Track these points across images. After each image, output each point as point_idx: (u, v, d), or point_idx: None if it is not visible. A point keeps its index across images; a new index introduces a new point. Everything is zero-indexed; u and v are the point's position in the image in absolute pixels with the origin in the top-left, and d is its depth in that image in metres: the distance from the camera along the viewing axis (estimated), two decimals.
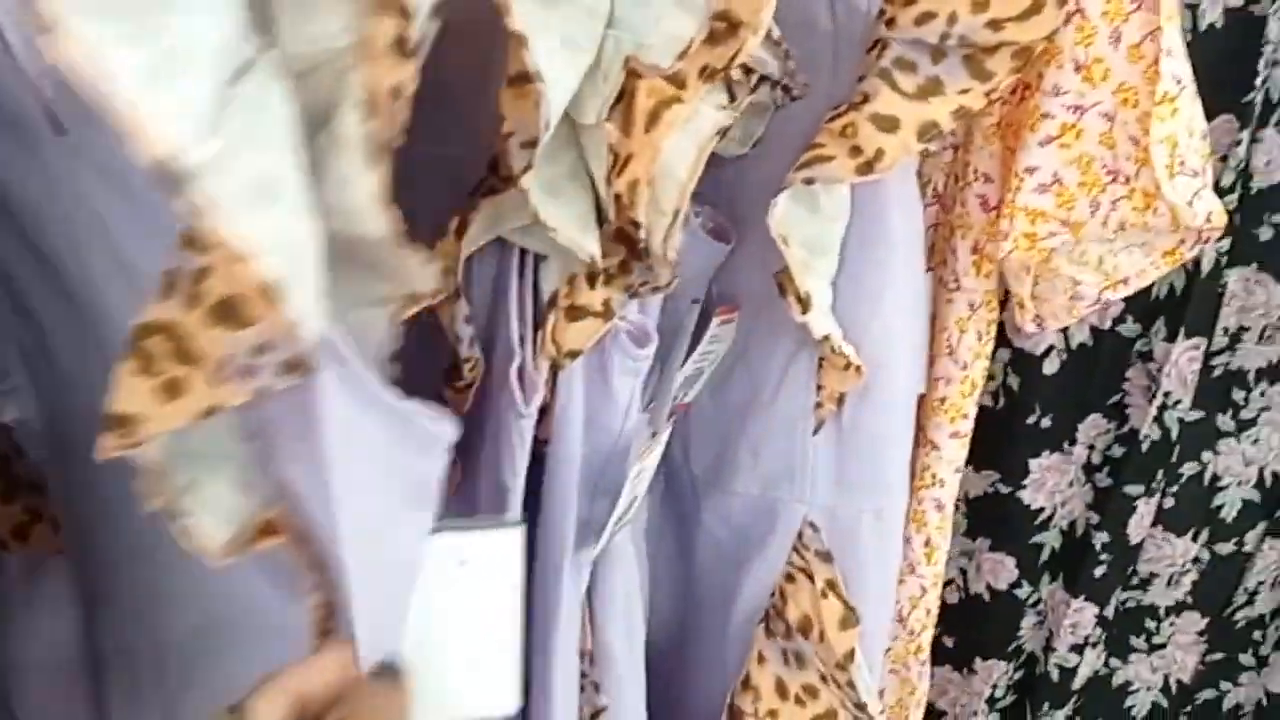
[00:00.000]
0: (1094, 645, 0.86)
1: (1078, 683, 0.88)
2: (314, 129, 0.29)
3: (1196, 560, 0.84)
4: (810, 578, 0.62)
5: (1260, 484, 0.81)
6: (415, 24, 0.27)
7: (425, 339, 0.43)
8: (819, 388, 0.59)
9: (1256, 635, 0.89)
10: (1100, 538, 0.80)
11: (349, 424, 0.32)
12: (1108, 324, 0.75)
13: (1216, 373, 0.77)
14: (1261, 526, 0.83)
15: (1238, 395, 0.78)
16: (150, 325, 0.29)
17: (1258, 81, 0.65)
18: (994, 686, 0.89)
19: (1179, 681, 0.91)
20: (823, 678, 0.63)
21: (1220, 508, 0.82)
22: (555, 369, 0.46)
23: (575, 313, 0.44)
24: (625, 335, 0.48)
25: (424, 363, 0.42)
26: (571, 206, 0.41)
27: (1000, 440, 0.79)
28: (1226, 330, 0.75)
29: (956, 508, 0.82)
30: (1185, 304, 0.72)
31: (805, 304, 0.52)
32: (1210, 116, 0.58)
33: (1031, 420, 0.78)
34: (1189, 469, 0.81)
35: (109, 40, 0.23)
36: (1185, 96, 0.51)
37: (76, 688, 0.46)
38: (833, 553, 0.62)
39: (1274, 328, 0.75)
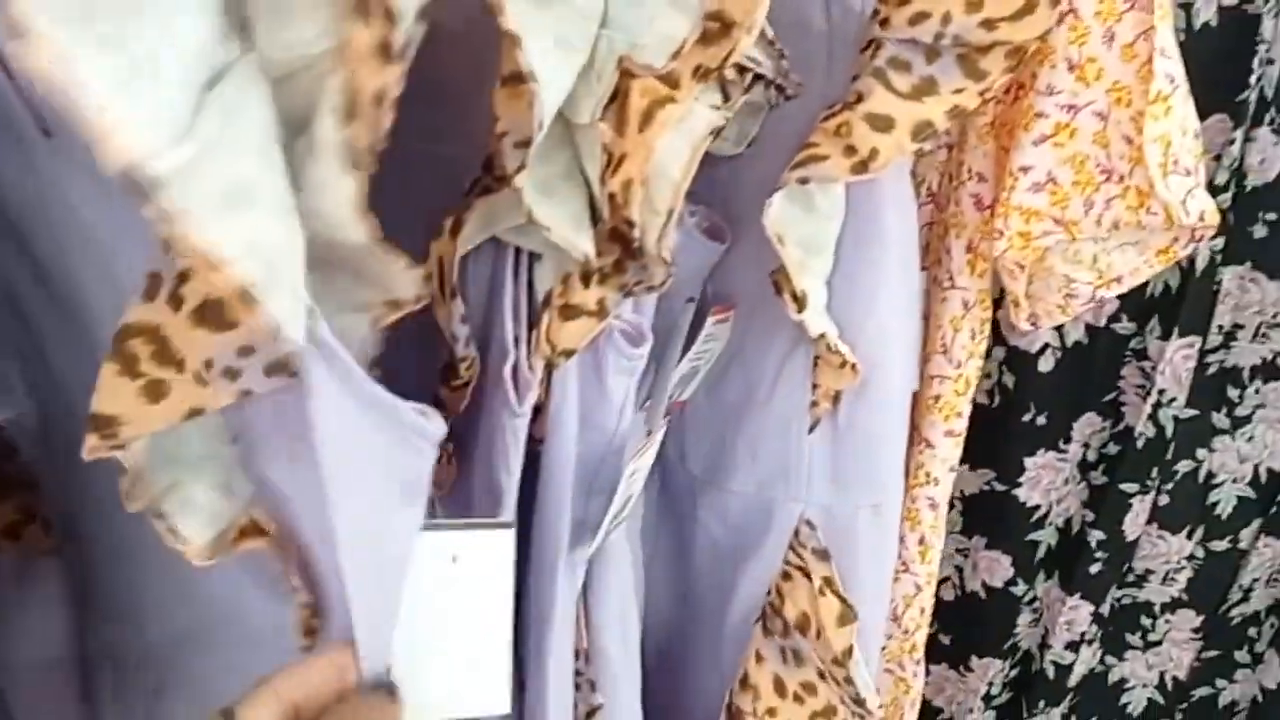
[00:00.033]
0: (1090, 643, 0.86)
1: (1073, 680, 0.88)
2: (293, 134, 0.29)
3: (1192, 557, 0.85)
4: (807, 575, 0.62)
5: (1255, 481, 0.81)
6: (401, 27, 0.27)
7: (422, 338, 0.43)
8: (815, 386, 0.60)
9: (1251, 632, 0.89)
10: (1096, 535, 0.80)
11: (340, 421, 0.32)
12: (1103, 322, 0.75)
13: (1211, 370, 0.77)
14: (1256, 524, 0.83)
15: (1232, 393, 0.78)
16: (133, 327, 0.29)
17: (1252, 80, 0.65)
18: (990, 684, 0.90)
19: (1174, 678, 0.91)
20: (821, 674, 0.63)
21: (1215, 505, 0.83)
22: (550, 368, 0.46)
23: (569, 312, 0.44)
24: (620, 334, 0.48)
25: (421, 362, 0.43)
26: (566, 206, 0.41)
27: (996, 438, 0.79)
28: (1221, 328, 0.76)
29: (952, 505, 0.82)
30: (1180, 302, 0.72)
31: (801, 303, 0.52)
32: (1205, 115, 0.59)
33: (1027, 418, 0.78)
34: (1184, 466, 0.81)
35: (80, 46, 0.23)
36: (1178, 96, 0.51)
37: (68, 689, 0.46)
38: (829, 550, 0.62)
39: (1268, 325, 0.75)
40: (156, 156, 0.24)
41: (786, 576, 0.63)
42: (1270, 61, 0.66)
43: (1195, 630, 0.88)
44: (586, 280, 0.44)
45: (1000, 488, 0.82)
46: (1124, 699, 0.93)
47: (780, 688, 0.64)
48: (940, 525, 0.70)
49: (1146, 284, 0.71)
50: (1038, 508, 0.82)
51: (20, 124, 0.33)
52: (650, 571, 0.69)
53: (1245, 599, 0.87)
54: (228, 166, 0.26)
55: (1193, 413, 0.78)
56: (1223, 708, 0.93)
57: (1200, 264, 0.71)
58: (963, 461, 0.72)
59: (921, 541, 0.70)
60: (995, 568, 0.85)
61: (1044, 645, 0.87)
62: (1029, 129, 0.54)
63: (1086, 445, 0.80)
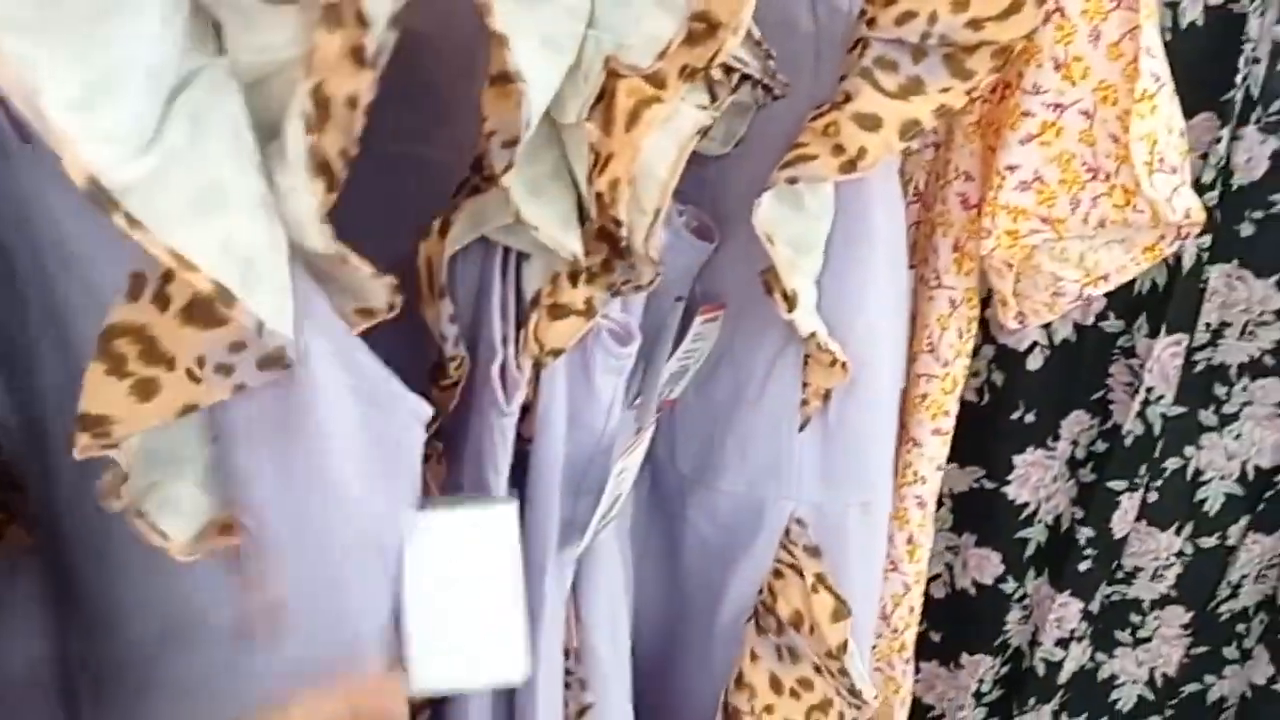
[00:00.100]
0: (1079, 639, 0.87)
1: (1063, 677, 0.88)
2: (267, 139, 0.29)
3: (1180, 554, 0.85)
4: (799, 573, 0.62)
5: (1243, 478, 0.82)
6: (374, 33, 0.27)
7: (411, 338, 0.43)
8: (805, 385, 0.60)
9: (1240, 628, 0.89)
10: (1085, 532, 0.81)
11: (336, 407, 0.32)
12: (1091, 320, 0.76)
13: (1199, 368, 0.77)
14: (1244, 520, 0.83)
15: (1220, 390, 0.79)
16: (119, 327, 0.29)
17: (1238, 79, 0.66)
18: (981, 681, 0.90)
19: (1164, 675, 0.92)
20: (817, 669, 0.64)
21: (1203, 502, 0.83)
22: (538, 367, 0.46)
23: (557, 311, 0.44)
24: (608, 334, 0.48)
25: (410, 362, 0.43)
26: (553, 205, 0.41)
27: (985, 436, 0.79)
28: (1208, 326, 0.76)
29: (942, 503, 0.82)
30: (1167, 300, 0.73)
31: (791, 302, 0.53)
32: (1191, 114, 0.59)
33: (1016, 416, 0.78)
34: (1172, 464, 0.81)
35: (43, 59, 0.23)
36: (1164, 94, 0.51)
37: (51, 690, 0.46)
38: (820, 548, 0.62)
39: (1255, 323, 0.76)
40: (118, 168, 0.24)
41: (778, 574, 0.63)
42: (1256, 60, 0.66)
43: (1184, 627, 0.89)
44: (574, 280, 0.44)
45: (990, 485, 0.82)
46: (1114, 695, 0.93)
47: (776, 685, 0.64)
48: (928, 524, 0.71)
49: (1134, 282, 0.72)
50: (1027, 505, 0.82)
51: (4, 136, 0.33)
52: (640, 571, 0.69)
53: (1234, 595, 0.87)
54: (198, 172, 0.26)
55: (1181, 410, 0.78)
56: (1212, 704, 0.93)
57: (1187, 262, 0.71)
58: (952, 459, 0.72)
59: (910, 540, 0.70)
60: (985, 565, 0.85)
61: (1034, 642, 0.87)
62: (1015, 128, 0.55)
63: (1075, 443, 0.80)
